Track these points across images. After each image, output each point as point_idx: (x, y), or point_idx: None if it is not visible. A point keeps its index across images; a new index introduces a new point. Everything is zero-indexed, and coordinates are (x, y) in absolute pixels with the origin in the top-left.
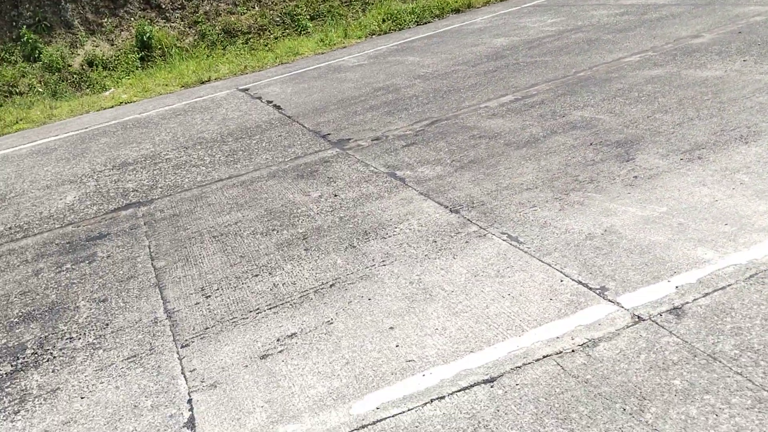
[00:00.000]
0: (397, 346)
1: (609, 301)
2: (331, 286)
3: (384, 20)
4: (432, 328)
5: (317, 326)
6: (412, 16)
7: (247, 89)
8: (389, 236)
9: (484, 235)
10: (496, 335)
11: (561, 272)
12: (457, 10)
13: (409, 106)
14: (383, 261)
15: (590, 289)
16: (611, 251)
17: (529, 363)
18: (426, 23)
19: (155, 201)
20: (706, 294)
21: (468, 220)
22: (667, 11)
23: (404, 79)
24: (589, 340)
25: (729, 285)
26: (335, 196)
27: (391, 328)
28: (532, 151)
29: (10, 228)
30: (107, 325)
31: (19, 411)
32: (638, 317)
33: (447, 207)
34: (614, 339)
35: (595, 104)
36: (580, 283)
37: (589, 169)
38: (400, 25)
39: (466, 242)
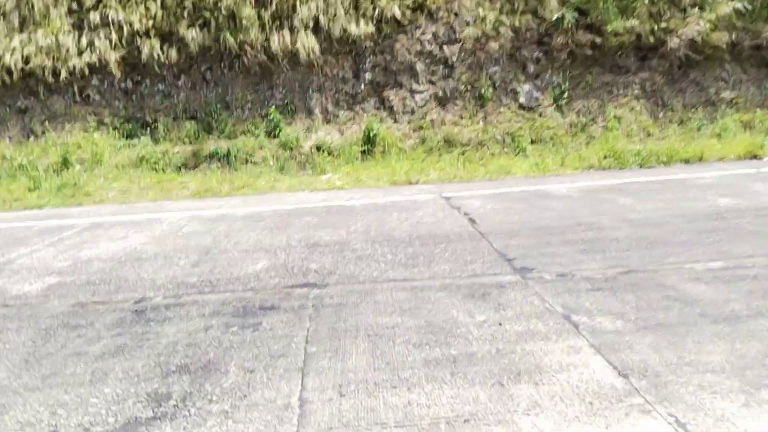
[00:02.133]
0: None
1: None
2: (465, 421)
3: (606, 156)
4: None
5: None
6: (637, 158)
7: (449, 198)
8: (543, 384)
9: (649, 411)
10: None
11: None
12: (686, 161)
13: (607, 248)
14: (528, 410)
15: None
16: None
17: None
18: (650, 167)
19: (329, 286)
20: None
21: (635, 389)
22: None
23: (610, 220)
24: None
25: None
26: (500, 324)
27: None
28: (729, 329)
29: (202, 281)
30: (245, 396)
31: None
32: None
33: (616, 368)
34: None
35: None
36: None
37: None
38: (622, 164)
39: (626, 414)
